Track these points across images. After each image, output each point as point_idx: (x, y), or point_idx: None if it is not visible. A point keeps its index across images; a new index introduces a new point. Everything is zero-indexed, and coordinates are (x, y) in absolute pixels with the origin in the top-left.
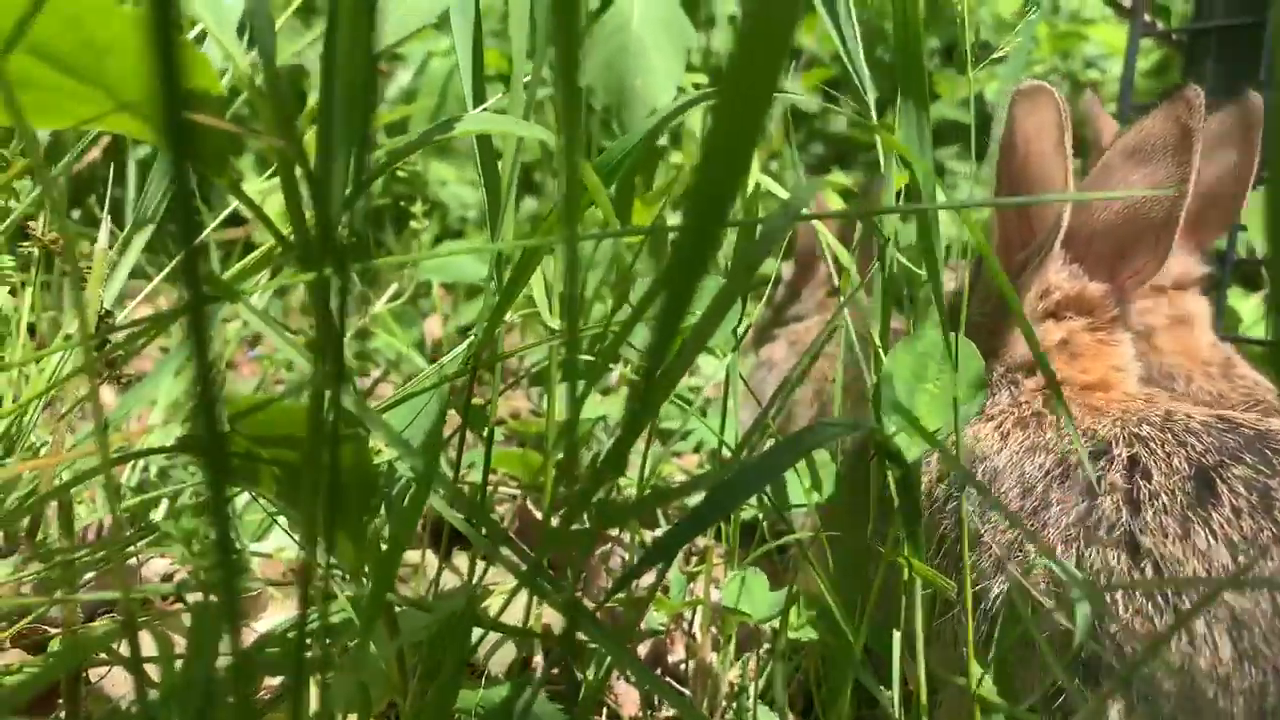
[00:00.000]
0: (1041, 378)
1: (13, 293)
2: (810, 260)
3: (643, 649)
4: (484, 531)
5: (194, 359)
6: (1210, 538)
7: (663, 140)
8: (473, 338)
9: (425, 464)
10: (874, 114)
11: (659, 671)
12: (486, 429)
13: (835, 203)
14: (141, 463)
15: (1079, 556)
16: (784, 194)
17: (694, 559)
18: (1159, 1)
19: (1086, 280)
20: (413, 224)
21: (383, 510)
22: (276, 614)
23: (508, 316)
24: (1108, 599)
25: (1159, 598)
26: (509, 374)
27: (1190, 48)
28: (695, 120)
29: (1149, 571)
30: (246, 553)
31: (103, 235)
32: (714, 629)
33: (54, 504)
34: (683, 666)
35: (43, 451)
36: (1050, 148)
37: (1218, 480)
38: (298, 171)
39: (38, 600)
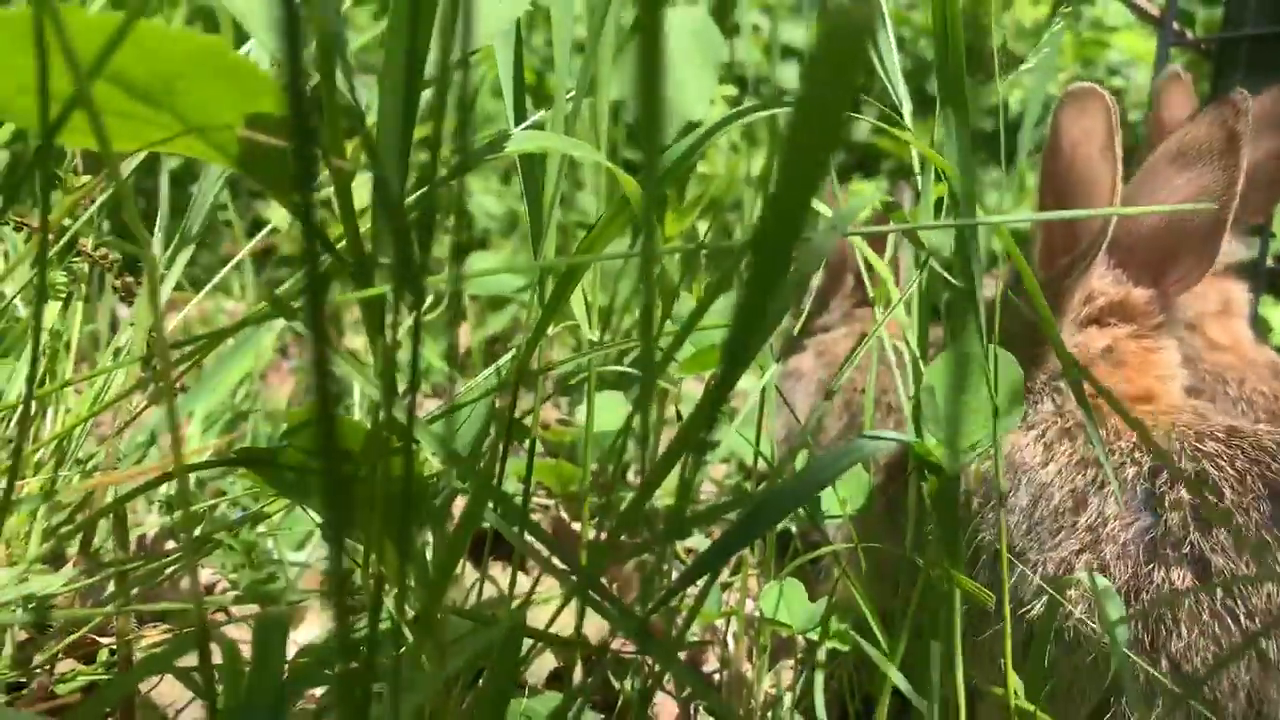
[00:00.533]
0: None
1: (65, 306)
2: (839, 270)
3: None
4: (535, 544)
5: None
6: None
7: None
8: (514, 351)
9: (480, 480)
10: (909, 123)
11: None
12: (528, 440)
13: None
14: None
15: (1139, 574)
16: (827, 211)
17: (728, 568)
18: (1183, 8)
19: (1131, 286)
20: (444, 238)
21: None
22: (314, 625)
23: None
24: (1169, 618)
25: (1229, 619)
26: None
27: (1219, 57)
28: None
29: (1218, 592)
30: (286, 563)
31: (155, 249)
32: (748, 639)
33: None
34: (716, 677)
35: (91, 463)
36: (1097, 151)
37: None
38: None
39: (96, 613)
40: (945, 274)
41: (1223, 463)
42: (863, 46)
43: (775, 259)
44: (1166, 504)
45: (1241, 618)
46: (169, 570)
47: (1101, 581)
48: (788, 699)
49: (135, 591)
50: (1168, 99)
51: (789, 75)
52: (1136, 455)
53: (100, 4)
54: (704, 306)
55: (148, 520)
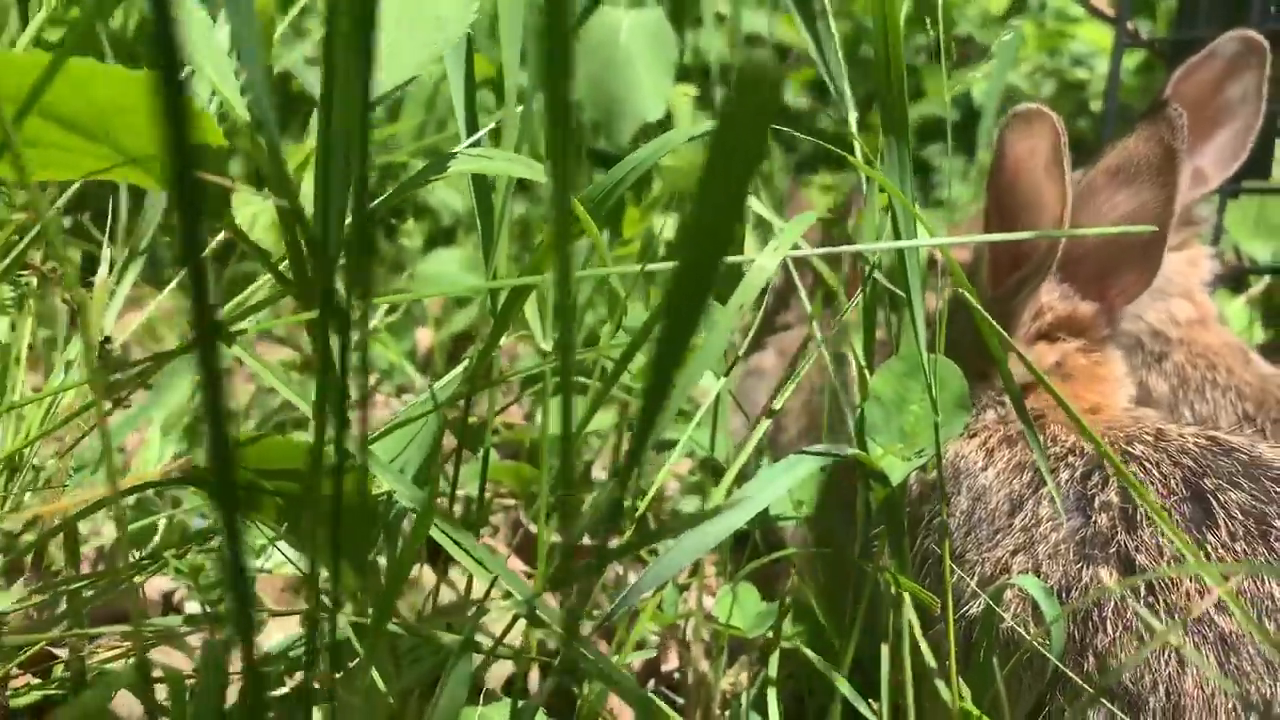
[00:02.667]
0: (1036, 396)
1: (13, 326)
2: (799, 268)
3: (636, 660)
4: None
5: (207, 415)
6: (1205, 559)
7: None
8: (467, 360)
9: (425, 502)
10: (854, 127)
11: (653, 682)
12: (481, 450)
13: (823, 202)
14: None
15: (1069, 572)
16: (776, 219)
17: (686, 569)
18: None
19: (1078, 300)
20: (403, 240)
21: (382, 537)
22: (275, 633)
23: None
24: (1096, 615)
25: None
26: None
27: (1173, 57)
28: (682, 107)
29: (1142, 589)
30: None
31: (103, 267)
32: (707, 637)
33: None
34: (676, 675)
35: (43, 473)
36: (1041, 170)
37: (1214, 503)
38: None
39: (45, 636)
40: (889, 286)
41: (1149, 465)
42: (775, 99)
43: (692, 305)
44: (1096, 505)
45: (1162, 615)
46: (122, 585)
47: (1035, 582)
48: (744, 698)
49: (88, 609)
50: None
51: None
52: (1070, 460)
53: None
54: (653, 321)
55: (105, 530)
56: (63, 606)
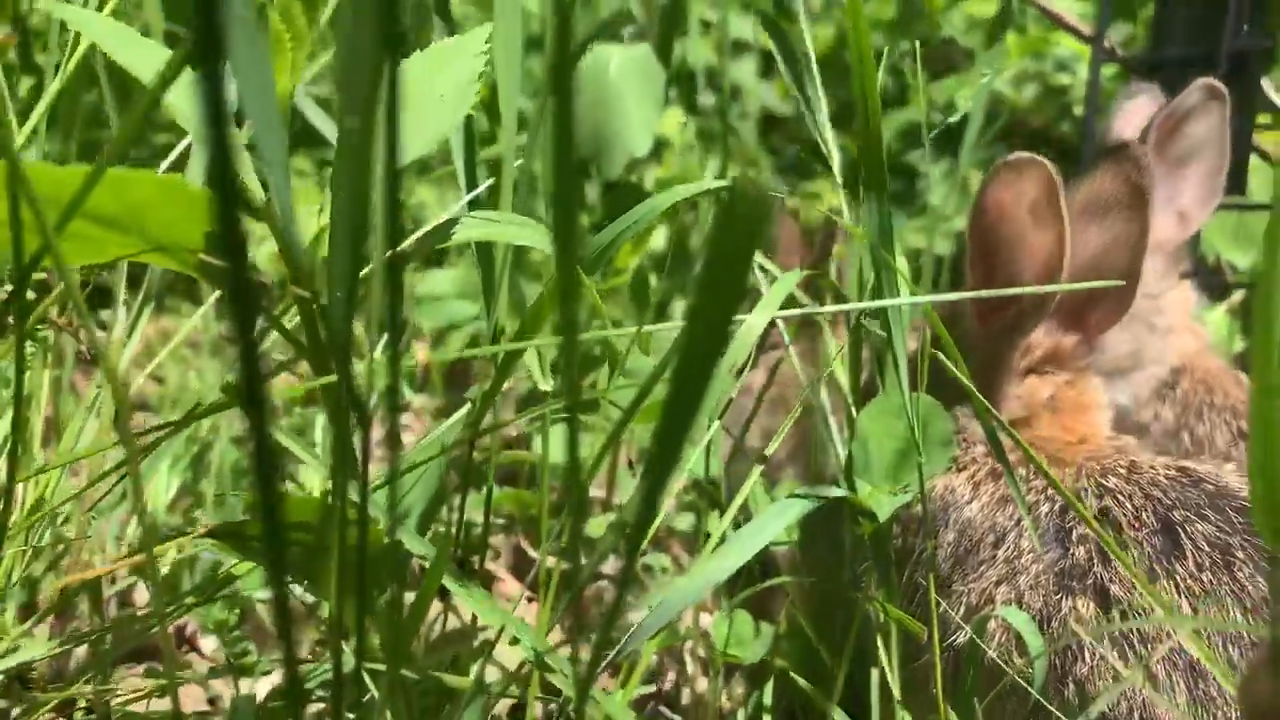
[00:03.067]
0: (1024, 434)
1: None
2: (788, 255)
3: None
4: (494, 610)
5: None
6: (1174, 590)
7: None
8: (469, 406)
9: (437, 558)
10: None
11: (652, 701)
12: (485, 487)
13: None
14: (150, 508)
15: (1049, 602)
16: (770, 266)
17: None
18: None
19: (1060, 334)
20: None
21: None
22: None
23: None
24: (1074, 644)
25: (1125, 645)
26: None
27: (1148, 76)
28: (672, 129)
29: (1117, 620)
30: (254, 599)
31: (119, 323)
32: (704, 654)
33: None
34: (674, 691)
35: (60, 521)
36: (1026, 215)
37: (1182, 535)
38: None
39: (68, 694)
40: (873, 329)
41: (1122, 498)
42: (762, 224)
43: (684, 417)
44: (1074, 538)
45: (1136, 644)
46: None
47: (1018, 613)
48: (741, 714)
49: (112, 659)
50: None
51: (741, 72)
52: (1050, 493)
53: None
54: (658, 375)
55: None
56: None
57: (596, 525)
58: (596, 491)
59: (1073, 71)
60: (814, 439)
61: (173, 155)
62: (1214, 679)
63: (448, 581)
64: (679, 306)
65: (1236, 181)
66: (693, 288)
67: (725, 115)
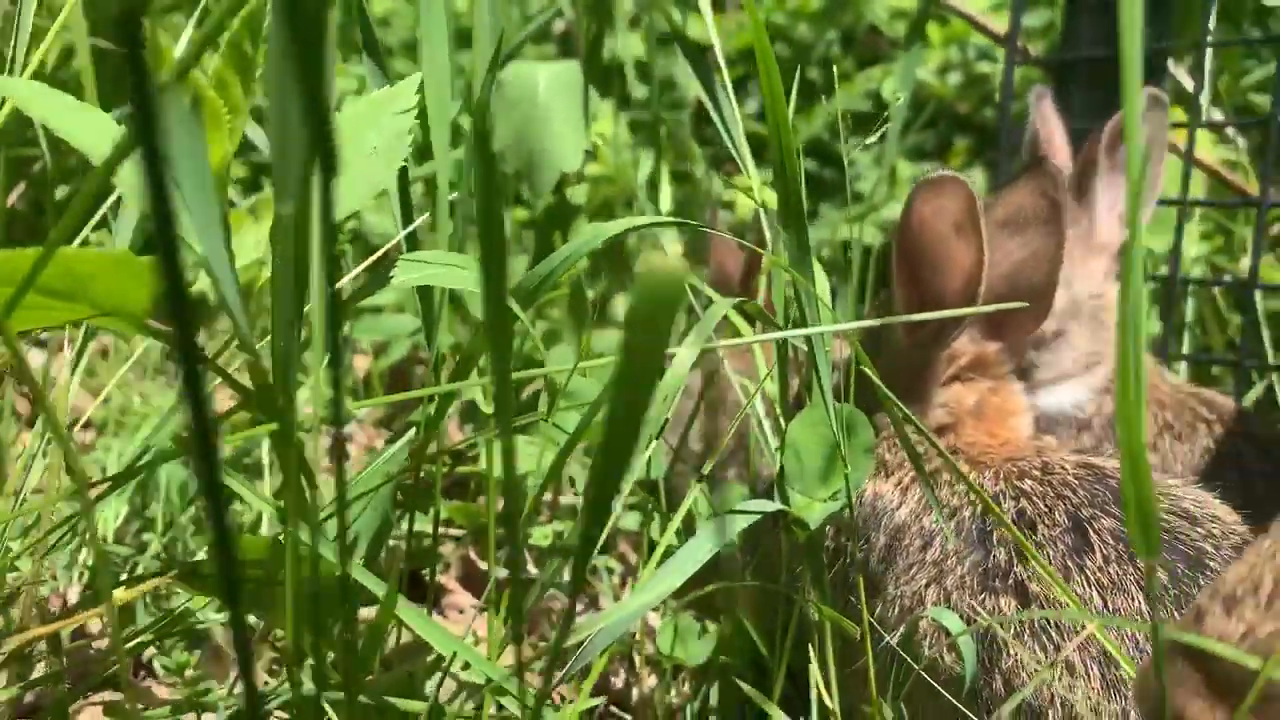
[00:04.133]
0: (949, 440)
1: None
2: (725, 287)
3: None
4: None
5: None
6: (1085, 584)
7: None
8: (411, 435)
9: (389, 596)
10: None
11: (603, 700)
12: (432, 510)
13: (746, 204)
14: (100, 532)
15: (974, 602)
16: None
17: (628, 584)
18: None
19: (984, 342)
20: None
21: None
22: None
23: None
24: (999, 640)
25: (1044, 637)
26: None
27: (1060, 74)
28: (605, 127)
29: (1035, 615)
30: (211, 624)
31: (65, 364)
32: (650, 651)
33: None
34: (624, 691)
35: (16, 561)
36: (949, 229)
37: (1090, 531)
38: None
39: None
40: (799, 343)
41: (1036, 499)
42: (676, 303)
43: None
44: (995, 540)
45: (1054, 636)
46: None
47: (947, 613)
48: (689, 711)
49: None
50: (1043, 121)
51: (672, 64)
52: (972, 497)
53: None
54: (590, 417)
55: (70, 592)
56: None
57: (542, 534)
58: (544, 495)
59: (994, 59)
60: (752, 442)
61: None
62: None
63: (400, 612)
64: (619, 304)
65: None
66: (615, 365)
67: (657, 110)
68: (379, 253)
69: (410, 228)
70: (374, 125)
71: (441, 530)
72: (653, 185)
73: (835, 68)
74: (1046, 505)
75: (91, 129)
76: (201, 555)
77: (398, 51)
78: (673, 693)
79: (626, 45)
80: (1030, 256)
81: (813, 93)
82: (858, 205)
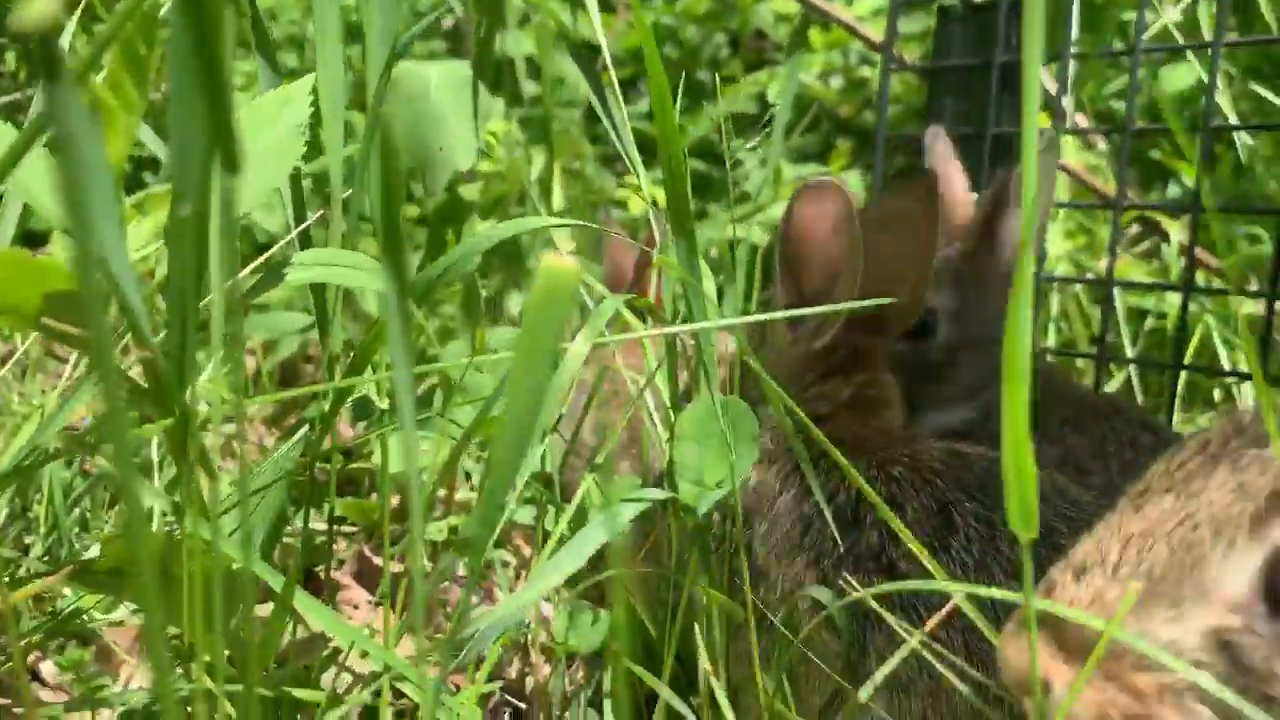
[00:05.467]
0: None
1: None
2: (619, 283)
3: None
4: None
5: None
6: (950, 563)
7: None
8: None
9: (286, 588)
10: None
11: (498, 689)
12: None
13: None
14: None
15: (848, 581)
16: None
17: (523, 576)
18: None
19: (860, 335)
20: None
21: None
22: (135, 680)
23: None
24: (871, 617)
25: (913, 614)
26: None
27: (932, 83)
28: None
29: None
30: (101, 625)
31: None
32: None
33: None
34: (519, 680)
35: None
36: (830, 231)
37: (954, 513)
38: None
39: None
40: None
41: (905, 484)
42: (571, 300)
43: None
44: (868, 523)
45: (921, 612)
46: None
47: (825, 591)
48: (583, 697)
49: None
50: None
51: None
52: (846, 484)
53: None
54: (485, 412)
55: None
56: None
57: (437, 528)
58: (440, 490)
59: (874, 64)
60: (644, 435)
61: None
62: (983, 635)
63: (299, 605)
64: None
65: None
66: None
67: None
68: (271, 250)
69: (303, 226)
70: (268, 125)
71: (335, 527)
72: (544, 184)
73: (722, 70)
74: (915, 490)
75: None
76: (89, 554)
77: (284, 45)
78: (566, 680)
79: (517, 42)
80: (905, 256)
81: (701, 94)
82: (744, 205)
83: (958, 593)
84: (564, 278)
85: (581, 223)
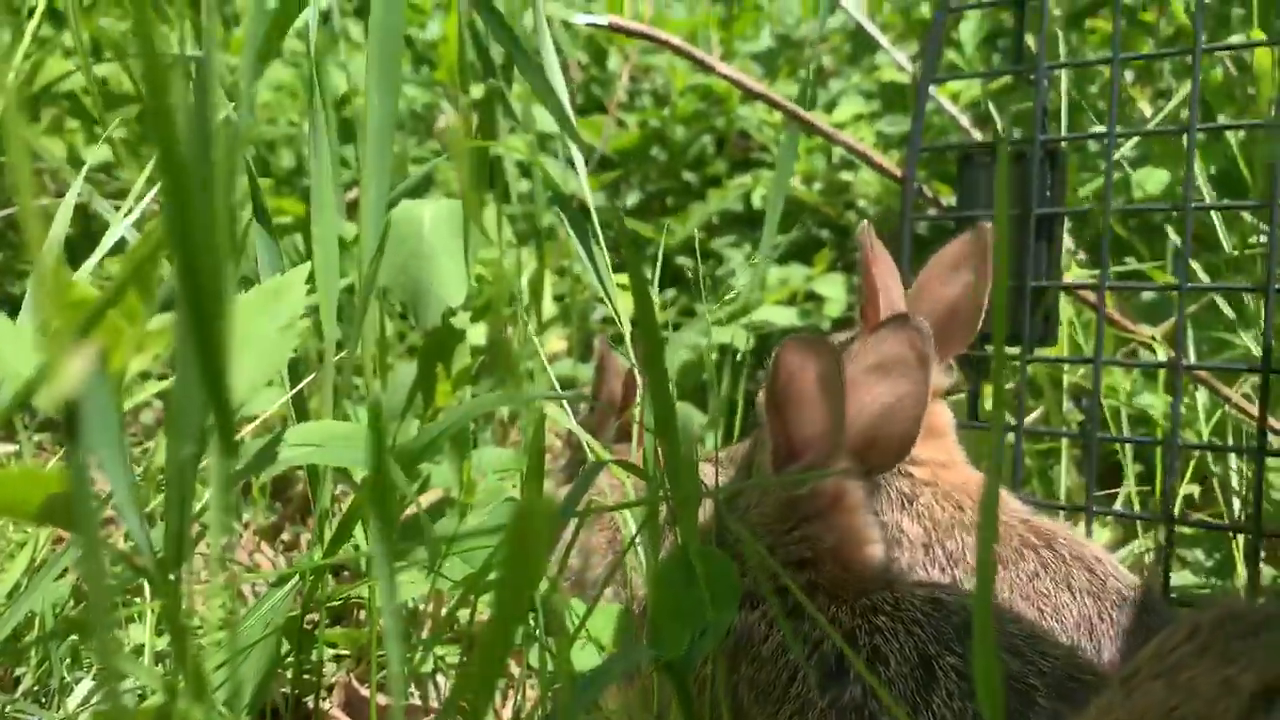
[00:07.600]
0: (809, 574)
1: None
2: (608, 407)
3: None
4: None
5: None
6: (931, 718)
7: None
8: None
9: None
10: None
11: None
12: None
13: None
14: None
15: None
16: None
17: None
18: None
19: (847, 481)
20: None
21: None
22: None
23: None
24: None
25: None
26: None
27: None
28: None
29: None
30: None
31: None
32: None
33: None
34: None
35: None
36: (815, 381)
37: (936, 667)
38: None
39: None
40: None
41: (889, 634)
42: (547, 541)
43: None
44: (851, 676)
45: None
46: None
47: None
48: None
49: None
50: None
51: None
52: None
53: None
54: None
55: None
56: None
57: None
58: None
59: (854, 167)
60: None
61: None
62: None
63: None
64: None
65: (1050, 334)
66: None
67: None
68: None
69: (294, 389)
70: (265, 312)
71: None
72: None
73: (708, 170)
74: (899, 642)
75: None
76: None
77: (280, 143)
78: None
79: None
80: (897, 400)
81: (688, 193)
82: (729, 306)
83: None
84: (537, 519)
85: (559, 395)
